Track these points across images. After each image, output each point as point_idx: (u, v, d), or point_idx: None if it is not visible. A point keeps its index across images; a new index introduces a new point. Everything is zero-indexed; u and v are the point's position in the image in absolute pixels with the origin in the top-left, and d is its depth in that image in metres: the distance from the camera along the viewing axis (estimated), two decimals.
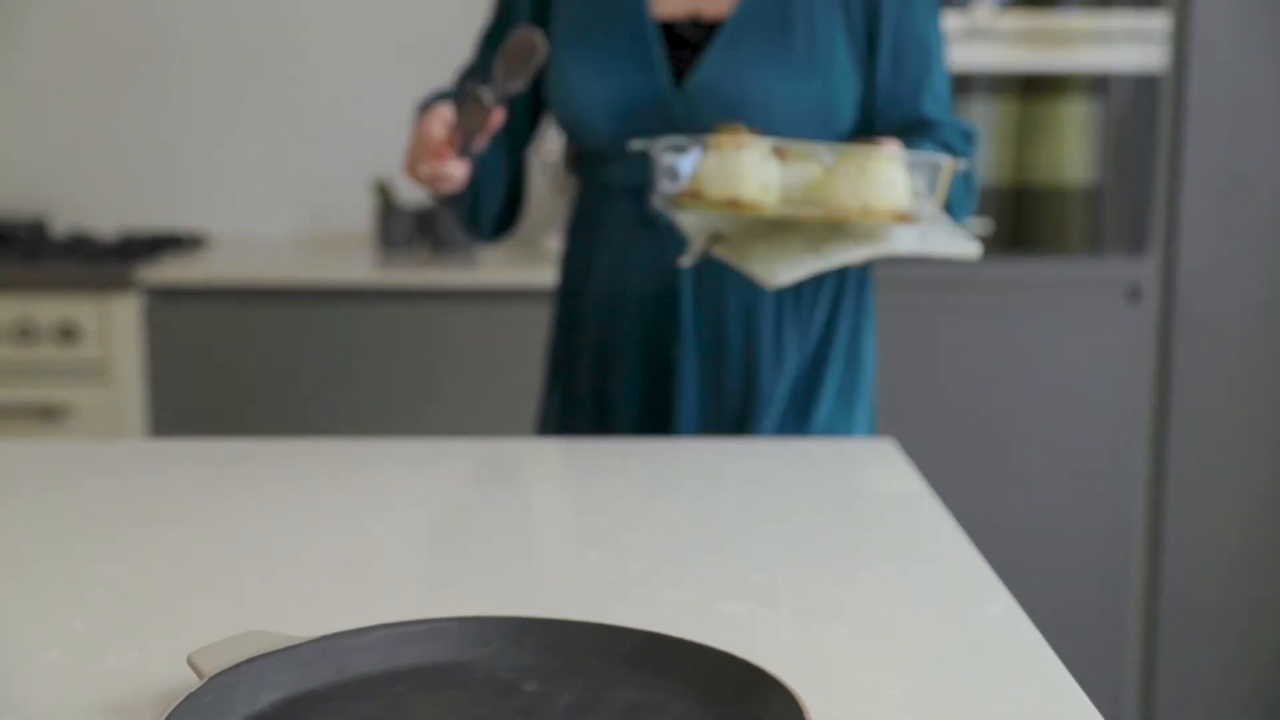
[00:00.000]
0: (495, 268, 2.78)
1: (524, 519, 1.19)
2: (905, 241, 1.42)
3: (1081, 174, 2.76)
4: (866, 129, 1.69)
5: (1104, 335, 2.78)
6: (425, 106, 1.69)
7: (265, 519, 1.19)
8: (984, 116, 2.75)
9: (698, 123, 1.61)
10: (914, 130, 1.65)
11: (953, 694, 0.82)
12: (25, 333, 2.69)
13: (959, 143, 1.66)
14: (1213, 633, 2.86)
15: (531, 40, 1.49)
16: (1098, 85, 2.73)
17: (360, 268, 2.80)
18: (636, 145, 1.52)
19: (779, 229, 1.45)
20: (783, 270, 1.39)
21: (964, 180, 1.66)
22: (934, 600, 1.00)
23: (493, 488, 1.30)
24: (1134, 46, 2.71)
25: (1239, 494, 2.84)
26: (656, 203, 1.50)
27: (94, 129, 3.24)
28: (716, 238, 1.47)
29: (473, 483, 1.35)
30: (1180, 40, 2.73)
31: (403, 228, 2.97)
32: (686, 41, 1.66)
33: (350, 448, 1.45)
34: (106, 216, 3.24)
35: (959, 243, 1.44)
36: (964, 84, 2.73)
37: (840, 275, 1.69)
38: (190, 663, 0.78)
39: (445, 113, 1.55)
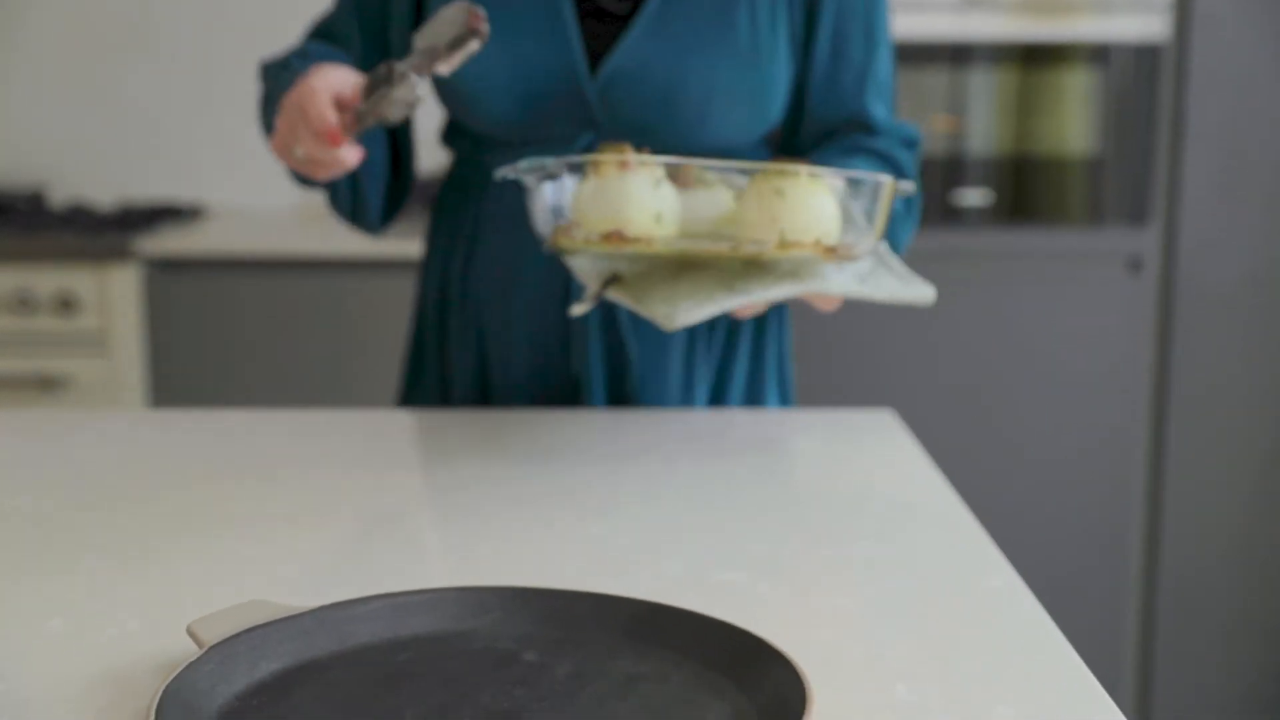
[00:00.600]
0: None
1: (523, 489, 1.19)
2: (840, 281, 1.19)
3: (1082, 144, 2.76)
4: (795, 126, 1.50)
5: (1104, 307, 2.78)
6: (285, 68, 1.42)
7: (264, 489, 1.19)
8: (984, 86, 2.74)
9: (617, 114, 1.41)
10: (850, 133, 1.48)
11: (953, 665, 0.82)
12: (24, 303, 2.68)
13: (901, 153, 1.47)
14: (1212, 607, 2.87)
15: (475, 23, 1.21)
16: (1099, 55, 2.72)
17: (359, 239, 2.78)
18: (500, 173, 1.25)
19: (687, 269, 1.21)
20: (686, 308, 1.15)
21: (905, 202, 1.46)
22: (934, 571, 1.00)
23: (492, 458, 1.30)
24: (1136, 16, 2.70)
25: (1239, 467, 2.84)
26: (545, 246, 1.28)
27: (93, 99, 3.23)
28: (614, 279, 1.22)
29: (471, 453, 1.35)
30: (1182, 10, 2.72)
31: None
32: (607, 13, 1.42)
33: (349, 418, 1.45)
34: (105, 187, 3.23)
35: (910, 286, 1.21)
36: (964, 54, 2.72)
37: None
38: (190, 632, 0.78)
39: (336, 83, 1.27)
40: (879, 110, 1.48)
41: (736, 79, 1.41)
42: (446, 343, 1.53)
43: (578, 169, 1.20)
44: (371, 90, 1.25)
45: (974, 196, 2.76)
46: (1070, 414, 2.80)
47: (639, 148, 1.24)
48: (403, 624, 0.83)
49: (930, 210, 2.76)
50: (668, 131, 1.41)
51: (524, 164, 1.22)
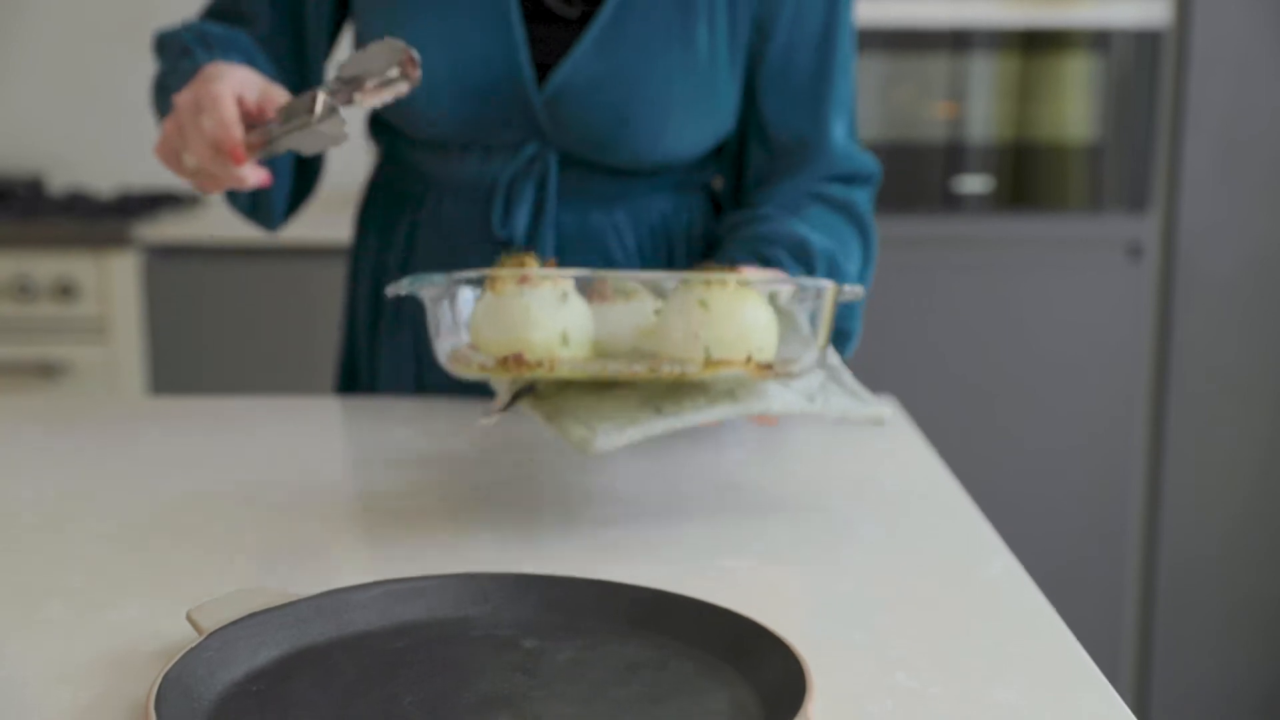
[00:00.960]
0: None
1: (524, 475, 1.19)
2: (786, 400, 1.04)
3: (1083, 130, 2.75)
4: (746, 140, 1.40)
5: (1104, 293, 2.78)
6: (183, 53, 1.28)
7: (264, 476, 1.18)
8: (985, 72, 2.74)
9: (565, 127, 1.32)
10: (801, 166, 1.37)
11: (953, 651, 0.82)
12: (24, 290, 2.68)
13: (857, 194, 1.37)
14: (1210, 593, 2.87)
15: (409, 68, 1.13)
16: (1100, 40, 2.71)
17: None
18: (390, 291, 1.04)
19: (609, 384, 1.06)
20: (606, 432, 0.99)
21: (863, 253, 1.36)
22: (935, 558, 1.00)
23: (493, 444, 1.30)
24: (1136, 1, 2.70)
25: (1238, 453, 2.84)
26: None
27: (92, 86, 3.22)
28: (529, 389, 1.05)
29: (470, 441, 1.35)
30: None
31: None
32: (557, 16, 1.32)
33: (350, 404, 1.45)
34: (104, 174, 3.23)
35: (864, 405, 1.07)
36: (964, 40, 2.72)
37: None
38: (189, 619, 0.78)
39: (239, 86, 1.15)
40: (837, 130, 1.38)
41: (694, 96, 1.32)
42: (377, 363, 1.47)
43: (474, 283, 1.03)
44: (290, 116, 1.14)
45: (974, 183, 2.76)
46: (1070, 400, 2.80)
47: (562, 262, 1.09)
48: (402, 611, 0.82)
49: (930, 197, 2.76)
50: (619, 147, 1.34)
51: (406, 282, 1.03)
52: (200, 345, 2.77)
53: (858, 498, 1.16)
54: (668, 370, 0.99)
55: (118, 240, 2.69)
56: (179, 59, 1.29)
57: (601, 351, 1.03)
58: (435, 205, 1.40)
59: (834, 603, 0.91)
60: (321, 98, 1.12)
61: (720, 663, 0.76)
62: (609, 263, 1.40)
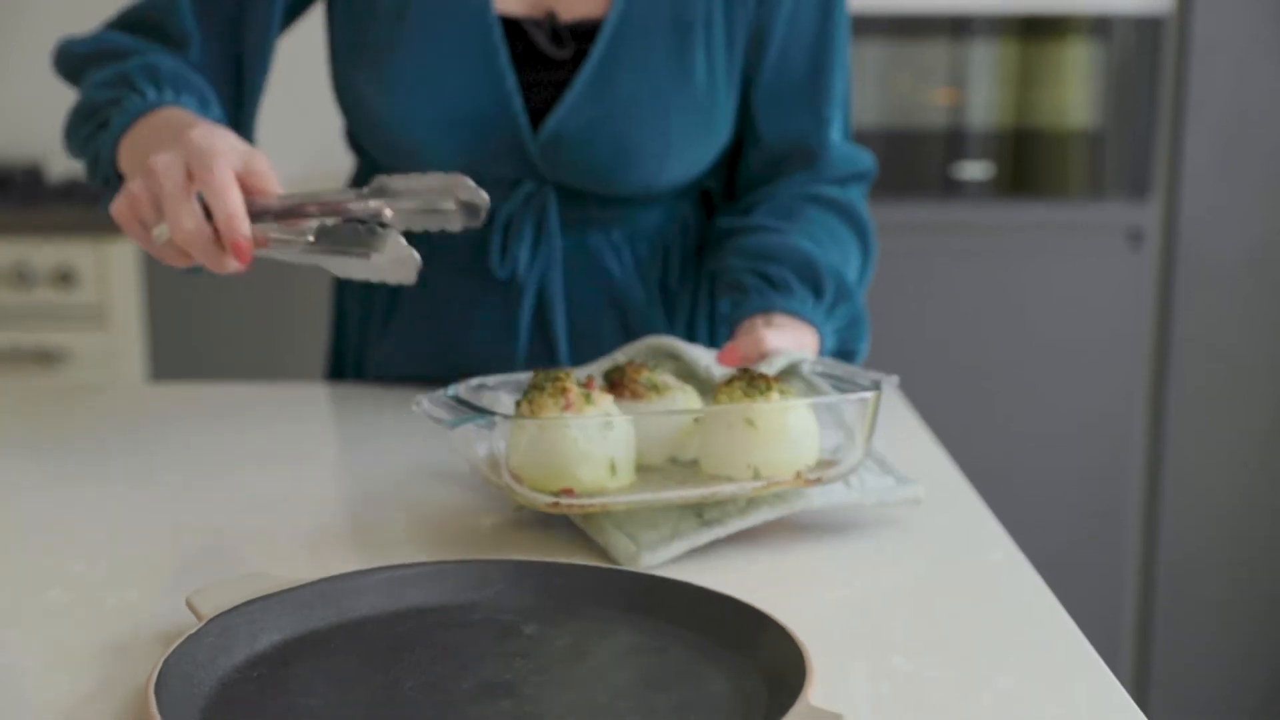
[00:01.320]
0: None
1: None
2: (825, 491, 1.00)
3: (1083, 117, 2.75)
4: (743, 147, 1.38)
5: (1105, 280, 2.78)
6: (124, 83, 1.18)
7: (264, 462, 1.18)
8: (985, 59, 2.73)
9: (562, 170, 1.30)
10: (796, 169, 1.35)
11: (953, 636, 0.82)
12: (23, 277, 2.68)
13: (853, 192, 1.36)
14: (1209, 580, 2.87)
15: (474, 217, 1.01)
16: (1100, 27, 2.71)
17: None
18: (426, 415, 0.97)
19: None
20: (651, 546, 0.93)
21: (862, 256, 1.35)
22: (934, 544, 1.00)
23: None
24: None
25: (1238, 440, 2.84)
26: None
27: None
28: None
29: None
30: None
31: None
32: (549, 59, 1.28)
33: (349, 392, 1.45)
34: None
35: (902, 485, 1.04)
36: (965, 26, 2.71)
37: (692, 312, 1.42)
38: (189, 604, 0.78)
39: (230, 157, 0.99)
40: (834, 132, 1.37)
41: (693, 123, 1.30)
42: (365, 372, 1.46)
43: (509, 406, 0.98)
44: (332, 237, 1.01)
45: (974, 169, 2.76)
46: (1070, 387, 2.80)
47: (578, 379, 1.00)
48: (403, 596, 0.82)
49: (930, 183, 2.75)
50: (619, 181, 1.31)
51: (447, 423, 0.95)
52: (200, 332, 2.76)
53: None
54: (726, 492, 0.95)
55: (117, 228, 2.68)
56: (121, 91, 1.18)
57: (639, 456, 1.00)
58: (427, 235, 1.36)
59: (833, 588, 0.91)
60: (381, 230, 0.98)
61: (720, 648, 0.76)
62: (607, 279, 1.38)
